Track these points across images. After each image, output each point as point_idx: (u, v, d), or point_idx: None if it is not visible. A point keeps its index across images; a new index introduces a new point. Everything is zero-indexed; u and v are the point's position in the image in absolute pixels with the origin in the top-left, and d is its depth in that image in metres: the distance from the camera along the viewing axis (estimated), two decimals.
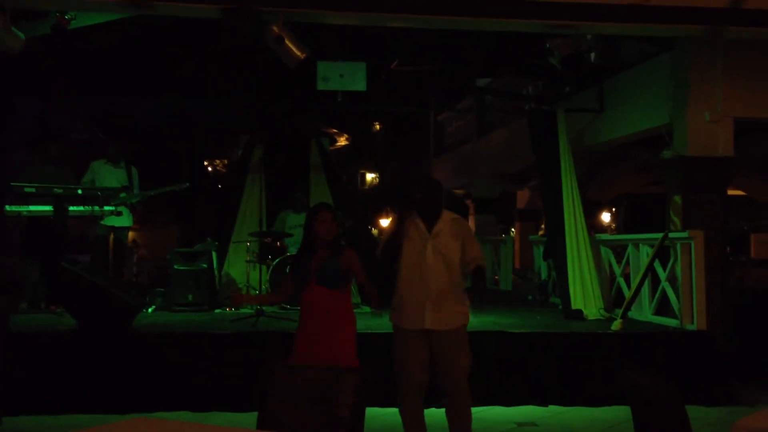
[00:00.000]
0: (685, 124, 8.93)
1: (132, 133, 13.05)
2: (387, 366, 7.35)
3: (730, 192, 10.60)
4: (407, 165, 30.49)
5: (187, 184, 9.29)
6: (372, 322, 8.63)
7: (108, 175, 9.43)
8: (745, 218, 16.99)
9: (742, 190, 15.45)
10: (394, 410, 7.15)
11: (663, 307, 8.87)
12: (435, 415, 7.09)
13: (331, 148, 14.57)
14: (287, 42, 7.01)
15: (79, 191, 8.53)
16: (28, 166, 9.28)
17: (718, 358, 7.88)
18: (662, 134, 9.28)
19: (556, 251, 9.93)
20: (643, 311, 9.07)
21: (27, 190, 8.24)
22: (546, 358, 7.61)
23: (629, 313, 8.82)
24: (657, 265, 8.77)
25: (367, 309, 10.11)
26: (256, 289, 9.83)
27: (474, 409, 7.14)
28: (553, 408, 7.41)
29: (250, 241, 10.19)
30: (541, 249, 12.09)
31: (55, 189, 8.30)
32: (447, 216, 5.31)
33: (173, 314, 9.29)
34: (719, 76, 8.92)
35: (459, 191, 21.32)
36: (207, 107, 13.04)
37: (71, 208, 8.45)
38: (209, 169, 26.70)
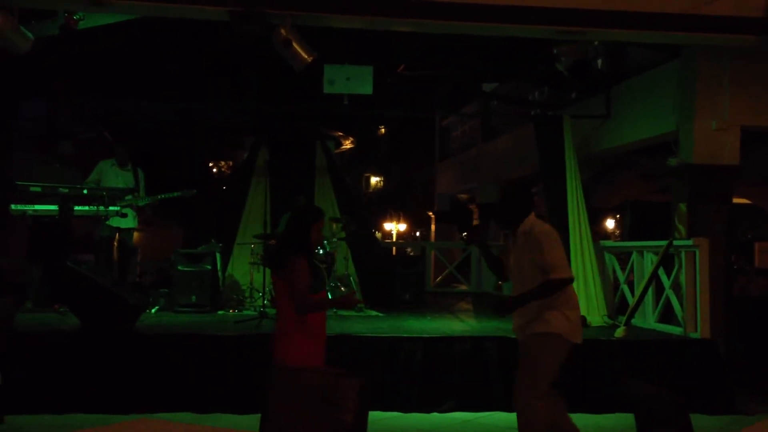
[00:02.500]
0: (691, 131, 8.93)
1: (137, 134, 13.06)
2: (389, 370, 7.39)
3: (735, 200, 10.57)
4: (412, 169, 30.52)
5: (195, 192, 9.33)
6: (374, 325, 8.63)
7: (114, 176, 9.45)
8: (749, 227, 16.94)
9: (748, 199, 15.42)
10: (396, 414, 7.19)
11: (667, 315, 8.85)
12: (437, 419, 7.11)
13: (336, 151, 14.57)
14: (295, 45, 7.03)
15: (85, 191, 8.54)
16: (35, 166, 9.29)
17: (721, 367, 7.85)
18: (668, 142, 9.27)
19: None
20: (647, 319, 9.05)
21: (33, 189, 8.25)
22: None
23: (633, 321, 8.80)
24: (661, 272, 8.75)
25: (371, 312, 10.12)
26: (259, 291, 9.85)
27: (475, 414, 7.19)
28: None
29: (254, 243, 10.21)
30: None
31: (61, 189, 8.31)
32: (522, 226, 5.05)
33: (176, 315, 9.29)
34: (726, 84, 8.91)
35: (463, 196, 21.35)
36: (213, 109, 13.05)
37: (76, 207, 8.45)
38: (214, 170, 26.74)
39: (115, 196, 8.74)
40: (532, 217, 5.06)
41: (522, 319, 5.04)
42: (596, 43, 11.26)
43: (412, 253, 21.01)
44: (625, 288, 9.72)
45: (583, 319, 9.20)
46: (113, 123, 12.88)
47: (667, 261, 8.68)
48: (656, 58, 9.95)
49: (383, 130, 31.05)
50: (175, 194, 9.34)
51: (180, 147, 17.86)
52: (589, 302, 9.41)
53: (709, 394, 7.56)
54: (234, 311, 9.82)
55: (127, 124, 13.10)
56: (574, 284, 9.51)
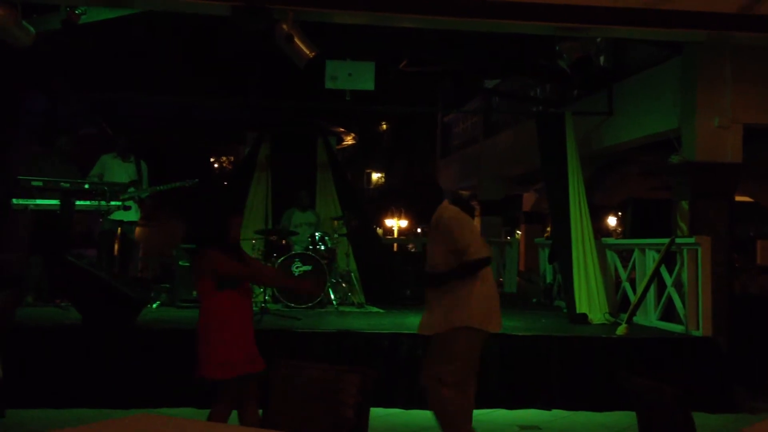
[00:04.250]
0: (693, 129, 8.91)
1: (138, 130, 13.05)
2: (390, 366, 7.39)
3: (738, 198, 10.55)
4: (413, 165, 30.52)
5: (196, 181, 9.30)
6: (374, 321, 8.63)
7: (117, 169, 9.43)
8: (752, 225, 16.93)
9: (750, 197, 15.40)
10: (398, 411, 7.18)
11: (668, 313, 8.85)
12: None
13: (338, 147, 14.56)
14: (297, 40, 7.01)
15: (86, 186, 8.53)
16: (34, 159, 9.27)
17: (722, 365, 7.85)
18: (671, 139, 9.26)
19: (561, 254, 9.91)
20: (649, 316, 9.05)
21: (34, 183, 8.23)
22: (550, 362, 7.59)
23: (634, 318, 8.80)
24: (663, 270, 8.74)
25: (372, 308, 10.12)
26: (260, 287, 9.84)
27: (477, 412, 7.12)
28: (556, 412, 7.39)
29: (255, 239, 10.19)
30: (547, 252, 12.08)
31: (62, 183, 8.29)
32: (434, 216, 5.11)
33: (178, 310, 9.28)
34: (729, 81, 8.89)
35: (465, 192, 21.33)
36: (214, 105, 13.04)
37: (77, 202, 8.44)
38: (216, 165, 26.73)
39: (117, 190, 8.72)
40: (444, 204, 5.09)
41: (429, 317, 5.06)
42: (599, 40, 11.24)
43: (413, 250, 21.02)
44: (627, 285, 9.72)
45: (585, 316, 9.21)
46: (114, 118, 12.87)
47: (668, 259, 8.67)
48: (658, 55, 9.92)
49: (385, 126, 31.04)
50: (177, 185, 9.31)
51: (181, 142, 17.86)
52: (591, 300, 9.40)
53: (710, 392, 7.55)
54: None
55: (128, 119, 13.09)
56: (576, 281, 9.56)
